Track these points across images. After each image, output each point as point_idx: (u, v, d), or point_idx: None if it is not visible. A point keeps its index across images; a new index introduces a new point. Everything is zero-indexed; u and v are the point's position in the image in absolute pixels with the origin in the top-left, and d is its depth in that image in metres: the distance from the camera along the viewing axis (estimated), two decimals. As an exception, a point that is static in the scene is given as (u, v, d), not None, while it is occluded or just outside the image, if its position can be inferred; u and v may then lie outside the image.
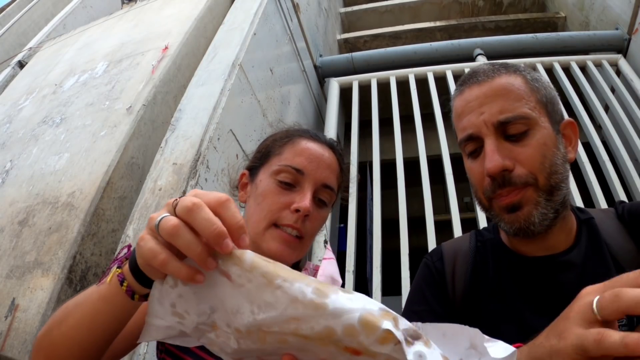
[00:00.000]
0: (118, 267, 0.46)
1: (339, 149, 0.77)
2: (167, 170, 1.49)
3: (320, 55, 3.31)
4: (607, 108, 2.67)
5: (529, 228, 0.61)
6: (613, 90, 2.69)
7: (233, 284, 0.40)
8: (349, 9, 4.73)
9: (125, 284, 0.45)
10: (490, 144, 0.61)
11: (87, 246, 1.54)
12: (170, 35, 2.29)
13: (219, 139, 1.59)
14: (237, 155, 1.71)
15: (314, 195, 0.68)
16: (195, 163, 1.47)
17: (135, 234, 1.35)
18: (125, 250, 0.49)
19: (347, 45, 4.17)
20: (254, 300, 0.40)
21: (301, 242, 0.68)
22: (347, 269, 2.04)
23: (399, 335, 0.37)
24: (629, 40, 2.91)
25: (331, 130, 2.73)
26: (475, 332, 0.41)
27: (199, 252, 0.38)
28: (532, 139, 0.61)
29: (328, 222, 2.19)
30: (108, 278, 0.47)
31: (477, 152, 0.65)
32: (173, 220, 0.38)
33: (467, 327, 0.42)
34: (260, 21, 2.17)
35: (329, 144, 0.75)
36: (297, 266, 0.76)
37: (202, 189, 1.45)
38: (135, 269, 0.44)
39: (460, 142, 0.68)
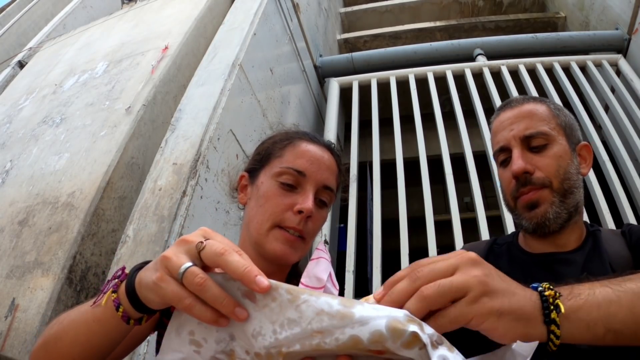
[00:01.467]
0: (113, 292, 0.47)
1: (337, 150, 0.79)
2: (167, 170, 1.49)
3: (320, 55, 3.31)
4: (607, 108, 2.67)
5: (544, 223, 0.73)
6: (613, 90, 2.69)
7: (256, 305, 0.41)
8: (349, 9, 4.73)
9: (121, 309, 0.46)
10: (516, 152, 0.77)
11: (87, 246, 1.54)
12: (170, 35, 2.30)
13: (219, 139, 1.59)
14: (237, 155, 1.71)
15: (315, 196, 0.69)
16: (195, 163, 1.47)
17: (135, 233, 1.35)
18: (119, 273, 0.49)
19: (347, 45, 4.17)
20: (277, 320, 0.40)
21: (303, 242, 0.69)
22: (347, 269, 2.04)
23: (425, 338, 0.38)
24: (629, 40, 2.91)
25: (331, 130, 2.73)
26: (511, 352, 0.42)
27: (226, 304, 0.40)
28: (550, 151, 0.76)
29: (328, 222, 2.20)
30: (103, 301, 0.47)
31: (506, 161, 0.80)
32: (200, 275, 0.40)
33: (499, 351, 0.43)
34: (260, 21, 2.17)
35: (328, 146, 0.76)
36: (296, 267, 0.76)
37: (202, 189, 1.45)
38: (132, 295, 0.45)
39: (494, 154, 0.84)
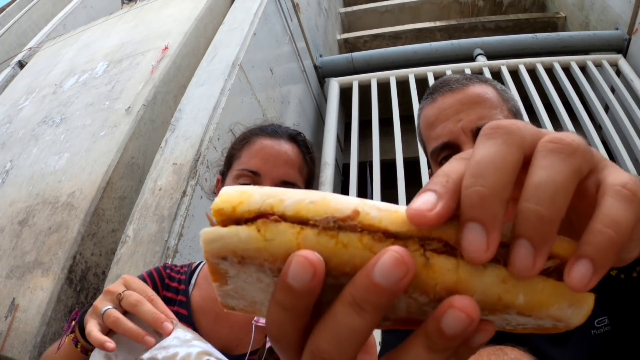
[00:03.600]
0: (71, 332, 0.60)
1: (302, 139, 0.76)
2: (167, 170, 1.49)
3: (320, 55, 3.31)
4: (607, 108, 2.67)
5: None
6: (613, 90, 2.68)
7: (160, 338, 0.53)
8: (349, 9, 4.73)
9: (79, 346, 0.58)
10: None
11: (87, 246, 1.54)
12: (170, 35, 2.29)
13: (219, 139, 1.59)
14: (237, 155, 1.71)
15: None
16: (195, 163, 1.47)
17: (135, 233, 1.35)
18: (75, 316, 0.62)
19: (347, 45, 4.17)
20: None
21: None
22: (347, 269, 2.04)
23: None
24: (629, 40, 2.91)
25: (331, 130, 2.73)
26: None
27: (137, 334, 0.51)
28: None
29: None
30: (65, 343, 0.60)
31: None
32: (114, 314, 0.53)
33: None
34: (260, 21, 2.17)
35: (290, 137, 0.73)
36: None
37: (202, 189, 1.45)
38: (83, 334, 0.56)
39: (433, 151, 0.64)
